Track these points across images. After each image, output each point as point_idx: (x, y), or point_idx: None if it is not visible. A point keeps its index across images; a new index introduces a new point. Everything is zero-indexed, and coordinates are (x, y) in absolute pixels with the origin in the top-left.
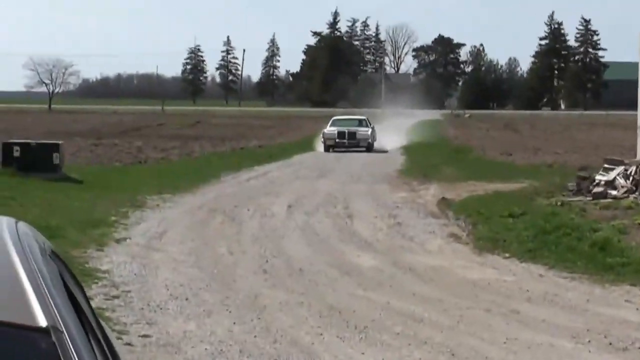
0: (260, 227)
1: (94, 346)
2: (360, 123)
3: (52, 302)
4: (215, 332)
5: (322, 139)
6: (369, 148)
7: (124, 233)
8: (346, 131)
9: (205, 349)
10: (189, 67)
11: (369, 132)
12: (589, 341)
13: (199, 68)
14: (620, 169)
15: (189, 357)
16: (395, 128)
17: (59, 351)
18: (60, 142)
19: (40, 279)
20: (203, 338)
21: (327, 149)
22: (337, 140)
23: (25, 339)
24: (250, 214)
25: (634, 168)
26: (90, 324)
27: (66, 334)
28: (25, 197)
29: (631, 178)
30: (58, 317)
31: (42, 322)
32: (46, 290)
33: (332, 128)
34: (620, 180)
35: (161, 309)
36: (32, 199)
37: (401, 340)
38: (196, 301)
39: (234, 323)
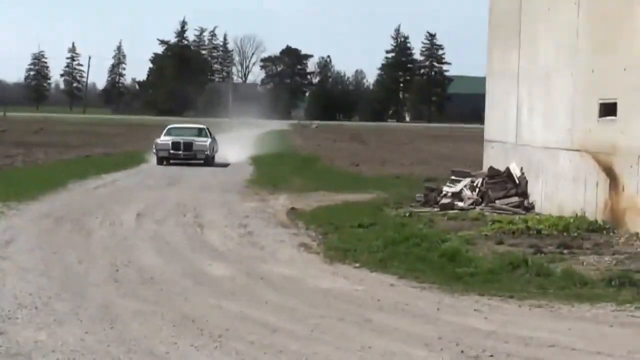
0: (110, 235)
1: None
2: (199, 132)
3: None
4: (67, 342)
5: (154, 150)
6: (208, 161)
7: None
8: (181, 141)
9: (57, 358)
10: (32, 72)
11: (208, 143)
12: (442, 349)
13: (42, 74)
14: (467, 180)
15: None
16: (242, 138)
17: None
18: None
19: None
20: (55, 348)
21: (160, 161)
22: (171, 151)
23: None
24: (99, 222)
25: (479, 180)
26: None
27: None
28: None
29: (477, 190)
30: None
31: None
32: None
33: (166, 138)
34: (467, 192)
35: (10, 318)
36: None
37: (256, 349)
38: (46, 310)
39: (86, 332)
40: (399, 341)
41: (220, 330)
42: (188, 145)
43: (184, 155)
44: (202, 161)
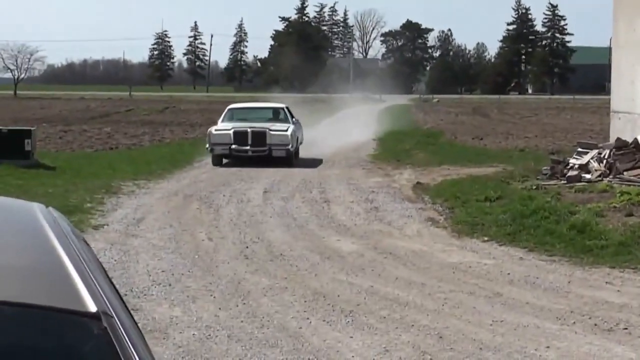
0: (238, 213)
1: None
2: (275, 115)
3: (99, 287)
4: (201, 318)
5: (209, 145)
6: (289, 159)
7: (100, 220)
8: (249, 130)
9: (193, 334)
10: (155, 52)
11: (290, 132)
12: (574, 322)
13: (166, 54)
14: (594, 152)
15: (177, 343)
16: (363, 113)
17: (112, 336)
18: (32, 128)
19: (84, 263)
20: (190, 323)
21: (218, 160)
22: (233, 146)
23: (77, 325)
24: (227, 200)
25: (607, 152)
26: (128, 309)
27: (116, 319)
28: None
29: (604, 161)
30: (107, 301)
31: (92, 307)
32: (91, 275)
33: (226, 125)
34: (594, 164)
35: (145, 295)
36: (5, 186)
37: (388, 323)
38: (179, 287)
39: (220, 308)
40: (530, 315)
41: (351, 305)
42: (259, 136)
43: (253, 152)
44: (280, 159)
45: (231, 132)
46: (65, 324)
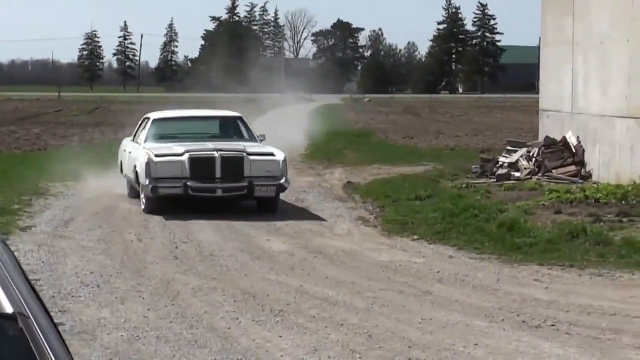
0: (168, 213)
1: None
2: (233, 130)
3: (15, 289)
4: (129, 319)
5: (145, 179)
6: (274, 200)
7: (28, 221)
8: (216, 156)
9: (121, 335)
10: (85, 52)
11: (280, 157)
12: (502, 320)
13: (95, 54)
14: (523, 150)
15: (105, 344)
16: (294, 113)
17: (27, 337)
18: None
19: (2, 265)
20: (118, 325)
21: (157, 205)
22: (189, 182)
23: None
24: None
25: (536, 150)
26: (47, 310)
27: (32, 319)
28: None
29: (534, 160)
30: (23, 303)
31: (8, 308)
32: (9, 277)
33: (165, 146)
34: (523, 162)
35: (73, 296)
36: None
37: (317, 323)
38: (108, 288)
39: (148, 309)
40: (459, 312)
41: (281, 305)
42: (233, 165)
43: (225, 191)
44: (266, 200)
45: (185, 158)
46: None
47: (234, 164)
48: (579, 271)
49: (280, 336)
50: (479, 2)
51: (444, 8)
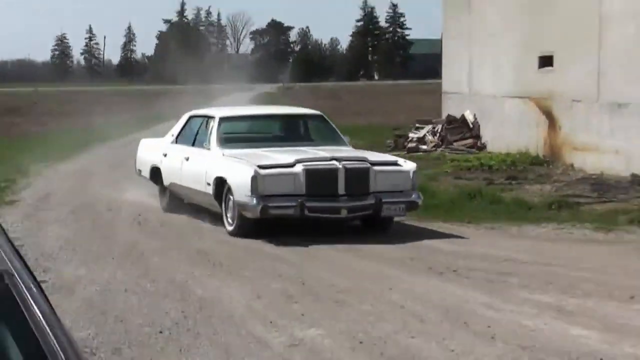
0: (137, 185)
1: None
2: (307, 131)
3: (1, 250)
4: (102, 276)
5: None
6: (387, 224)
7: (13, 197)
8: (339, 167)
9: (96, 289)
10: (56, 52)
11: (411, 168)
12: (413, 268)
13: (65, 53)
14: (429, 127)
15: (82, 297)
16: (241, 99)
17: (13, 291)
18: None
19: None
20: (92, 281)
21: (247, 229)
22: (307, 203)
23: None
24: (123, 175)
25: (440, 126)
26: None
27: (17, 277)
28: None
29: (438, 134)
30: (8, 262)
31: None
32: None
33: (254, 152)
34: (429, 137)
35: (53, 258)
36: None
37: (260, 274)
38: (83, 251)
39: (118, 267)
40: (378, 262)
41: (230, 261)
42: (359, 178)
43: (351, 211)
44: (386, 221)
45: (299, 170)
46: None
47: (359, 178)
48: (477, 226)
49: (229, 286)
50: (391, 2)
51: (361, 8)
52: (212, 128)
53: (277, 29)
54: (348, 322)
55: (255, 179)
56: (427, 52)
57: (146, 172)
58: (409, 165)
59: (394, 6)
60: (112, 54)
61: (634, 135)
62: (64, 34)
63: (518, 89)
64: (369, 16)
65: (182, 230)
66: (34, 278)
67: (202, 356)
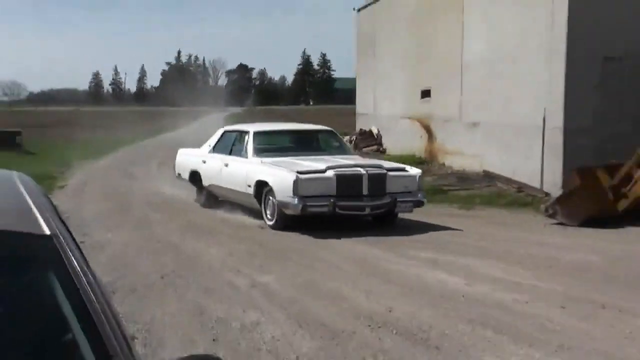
0: (147, 177)
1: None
2: (317, 142)
3: (51, 219)
4: (123, 238)
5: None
6: (393, 217)
7: (62, 183)
8: (363, 173)
9: (119, 248)
10: (93, 84)
11: (416, 173)
12: (367, 239)
13: (98, 84)
14: (347, 137)
15: (110, 253)
16: (217, 117)
17: (59, 250)
18: (20, 129)
19: (43, 205)
20: (116, 242)
21: (284, 223)
22: (338, 202)
23: (35, 243)
24: (139, 170)
25: (354, 137)
26: (71, 233)
27: (63, 239)
28: None
29: (352, 142)
30: (57, 229)
31: (47, 231)
32: (47, 213)
33: (288, 160)
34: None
35: (89, 226)
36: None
37: (231, 238)
38: (109, 221)
39: (133, 232)
40: (328, 238)
41: (210, 229)
42: (378, 181)
43: (373, 209)
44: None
45: (331, 175)
46: (27, 242)
47: (379, 181)
48: None
49: (210, 247)
50: (321, 52)
51: (301, 56)
52: (247, 140)
53: (243, 69)
54: (292, 271)
55: (296, 182)
56: (346, 86)
57: (185, 176)
58: (414, 171)
59: (323, 55)
60: (131, 85)
61: (484, 144)
62: (98, 70)
63: (407, 112)
64: (306, 61)
65: (178, 208)
66: (74, 240)
67: (191, 293)
